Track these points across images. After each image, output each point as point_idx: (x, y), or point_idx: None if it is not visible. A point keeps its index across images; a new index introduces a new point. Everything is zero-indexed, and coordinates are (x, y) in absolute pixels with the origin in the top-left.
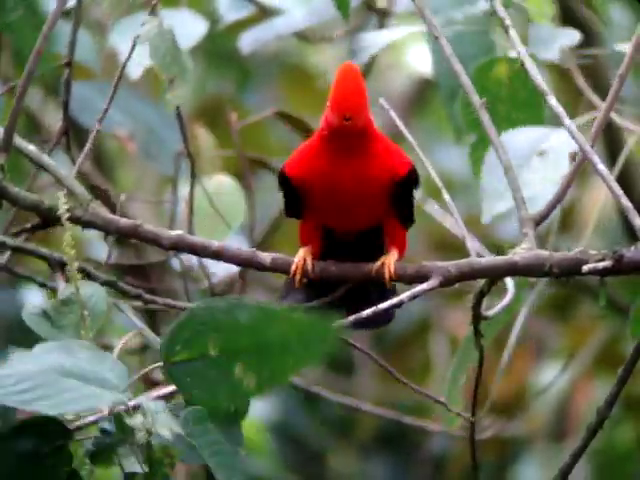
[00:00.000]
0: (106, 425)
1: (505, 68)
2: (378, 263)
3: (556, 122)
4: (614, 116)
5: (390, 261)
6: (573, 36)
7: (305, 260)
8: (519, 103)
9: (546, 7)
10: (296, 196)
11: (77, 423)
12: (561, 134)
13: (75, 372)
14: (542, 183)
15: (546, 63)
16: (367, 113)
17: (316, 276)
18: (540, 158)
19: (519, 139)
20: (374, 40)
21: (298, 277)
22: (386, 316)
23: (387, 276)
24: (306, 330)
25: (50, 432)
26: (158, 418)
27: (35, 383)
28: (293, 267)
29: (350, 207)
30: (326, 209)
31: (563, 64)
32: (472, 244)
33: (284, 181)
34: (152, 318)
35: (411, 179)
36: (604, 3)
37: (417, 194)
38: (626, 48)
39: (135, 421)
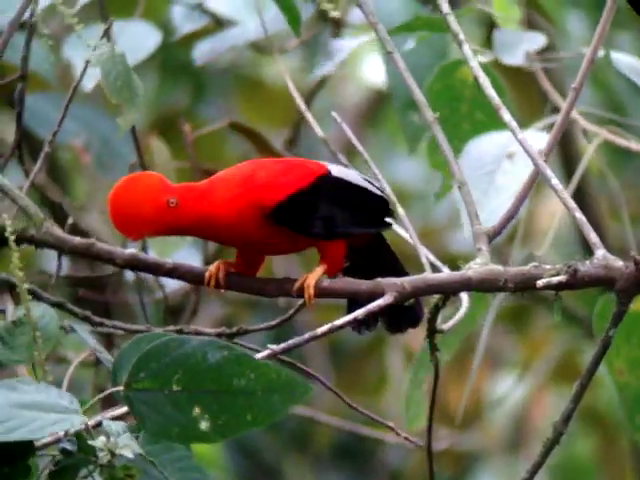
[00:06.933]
0: (66, 445)
1: (469, 69)
2: (298, 282)
3: (522, 124)
4: (578, 118)
5: (310, 281)
6: (538, 40)
7: (219, 269)
8: (482, 104)
9: (512, 11)
10: None
11: (37, 444)
12: (528, 135)
13: (31, 404)
14: (515, 185)
15: (508, 66)
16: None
17: (225, 286)
18: (510, 160)
19: (487, 145)
20: (338, 49)
21: (212, 283)
22: (415, 317)
23: (307, 297)
24: (273, 385)
25: (13, 444)
26: (120, 439)
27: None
28: (207, 275)
29: (251, 243)
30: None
31: (528, 68)
32: (426, 258)
33: None
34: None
35: (295, 204)
36: (558, 10)
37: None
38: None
39: (98, 442)
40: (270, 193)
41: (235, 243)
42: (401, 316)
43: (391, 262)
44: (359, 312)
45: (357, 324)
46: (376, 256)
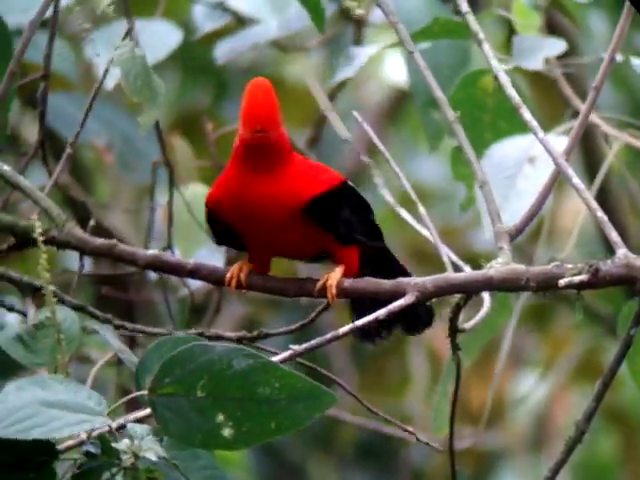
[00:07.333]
0: (90, 448)
1: (491, 79)
2: (320, 282)
3: (543, 129)
4: (599, 122)
5: (332, 281)
6: (558, 46)
7: (240, 270)
8: (505, 113)
9: (532, 18)
10: (225, 228)
11: (59, 447)
12: (549, 139)
13: (57, 403)
14: (536, 189)
15: (532, 72)
16: (280, 128)
17: (247, 287)
18: (531, 165)
19: (508, 149)
20: (357, 55)
21: (233, 284)
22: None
23: (330, 297)
24: (298, 395)
25: (37, 447)
26: (144, 442)
27: (22, 415)
28: (228, 275)
29: (270, 232)
30: (250, 235)
31: (548, 73)
32: (448, 257)
33: (207, 215)
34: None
35: (326, 201)
36: (579, 10)
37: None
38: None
39: (122, 444)
40: (310, 187)
41: (260, 229)
42: (415, 317)
43: (398, 271)
44: (380, 312)
45: (364, 334)
46: (382, 266)
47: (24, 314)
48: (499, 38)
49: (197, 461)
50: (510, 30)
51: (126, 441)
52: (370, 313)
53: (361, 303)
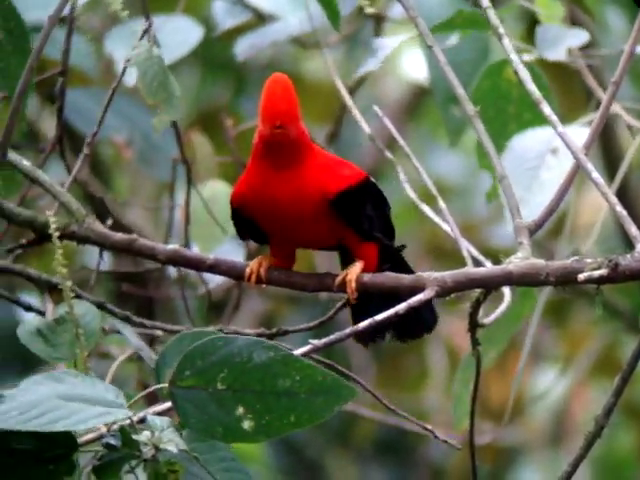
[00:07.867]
0: (110, 440)
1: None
2: (340, 277)
3: (565, 120)
4: (622, 113)
5: (352, 276)
6: (581, 36)
7: (260, 265)
8: (529, 104)
9: (555, 8)
10: (249, 224)
11: (79, 440)
12: (571, 130)
13: (76, 396)
14: (559, 179)
15: (551, 63)
16: (299, 123)
17: (267, 282)
18: (554, 156)
19: (530, 140)
20: (380, 46)
21: (253, 279)
22: (430, 321)
23: (349, 291)
24: (318, 388)
25: (56, 439)
26: (164, 434)
27: (42, 409)
28: (247, 270)
29: (294, 226)
30: (274, 230)
31: (570, 64)
32: (468, 252)
33: (233, 213)
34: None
35: (354, 195)
36: (597, 5)
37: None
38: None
39: (142, 436)
40: (336, 181)
41: (284, 224)
42: (413, 321)
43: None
44: (400, 307)
45: (365, 336)
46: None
47: (42, 313)
48: (521, 28)
49: (216, 452)
50: (533, 20)
51: (146, 433)
52: (369, 312)
53: (361, 302)
